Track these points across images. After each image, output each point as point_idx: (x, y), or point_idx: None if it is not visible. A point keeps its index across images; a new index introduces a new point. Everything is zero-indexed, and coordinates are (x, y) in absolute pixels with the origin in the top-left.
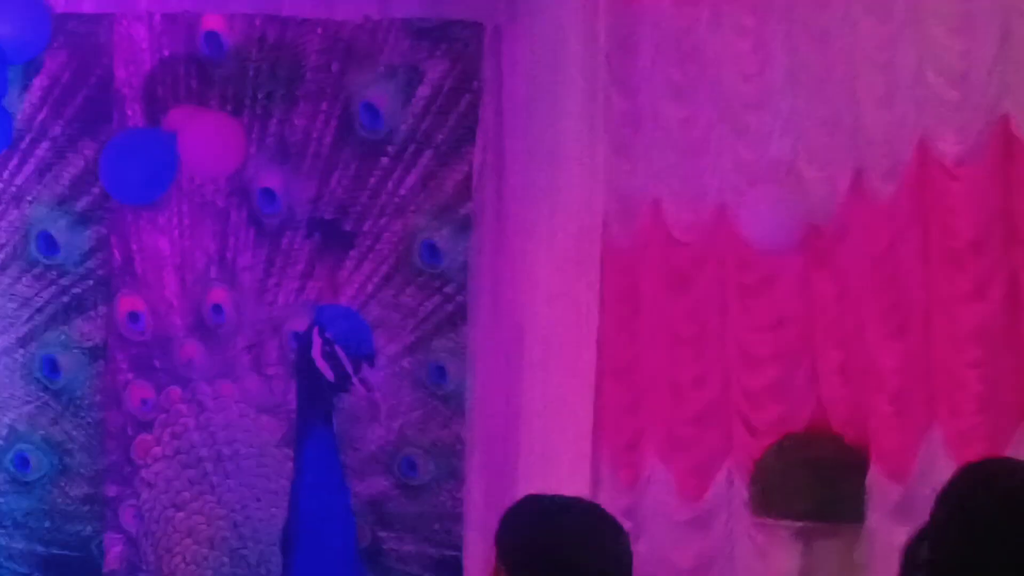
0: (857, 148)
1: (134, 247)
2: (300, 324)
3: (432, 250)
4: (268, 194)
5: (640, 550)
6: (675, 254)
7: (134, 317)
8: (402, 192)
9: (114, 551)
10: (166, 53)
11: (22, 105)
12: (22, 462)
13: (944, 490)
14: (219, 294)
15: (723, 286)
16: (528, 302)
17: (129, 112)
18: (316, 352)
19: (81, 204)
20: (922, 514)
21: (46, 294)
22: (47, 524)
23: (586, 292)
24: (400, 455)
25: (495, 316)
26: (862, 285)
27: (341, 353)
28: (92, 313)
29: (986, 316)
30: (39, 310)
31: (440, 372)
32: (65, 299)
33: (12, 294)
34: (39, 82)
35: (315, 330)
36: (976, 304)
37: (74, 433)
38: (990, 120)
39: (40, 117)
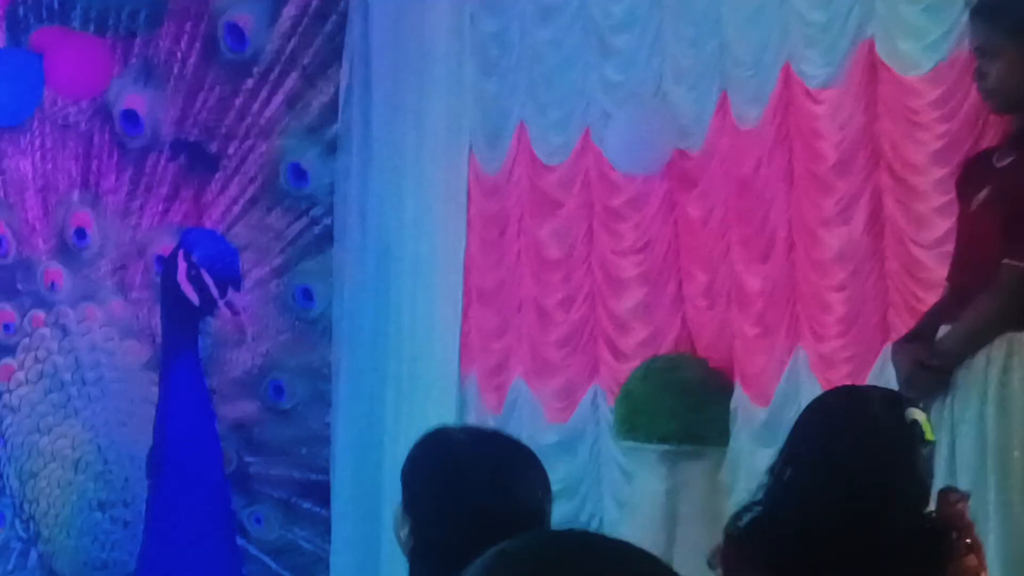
0: (723, 71)
1: None
2: (165, 247)
3: (298, 172)
4: (132, 116)
5: None
6: (541, 177)
7: None
8: (268, 114)
9: None
10: None
11: None
12: None
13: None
14: (82, 217)
15: (589, 209)
16: (395, 225)
17: None
18: (181, 276)
19: None
20: (785, 435)
21: None
22: None
23: (453, 215)
24: (267, 379)
25: (362, 239)
26: (727, 208)
27: (207, 276)
28: None
29: (849, 239)
30: None
31: (307, 295)
32: None
33: None
34: None
35: (180, 253)
36: (840, 227)
37: None
38: (854, 44)
39: None
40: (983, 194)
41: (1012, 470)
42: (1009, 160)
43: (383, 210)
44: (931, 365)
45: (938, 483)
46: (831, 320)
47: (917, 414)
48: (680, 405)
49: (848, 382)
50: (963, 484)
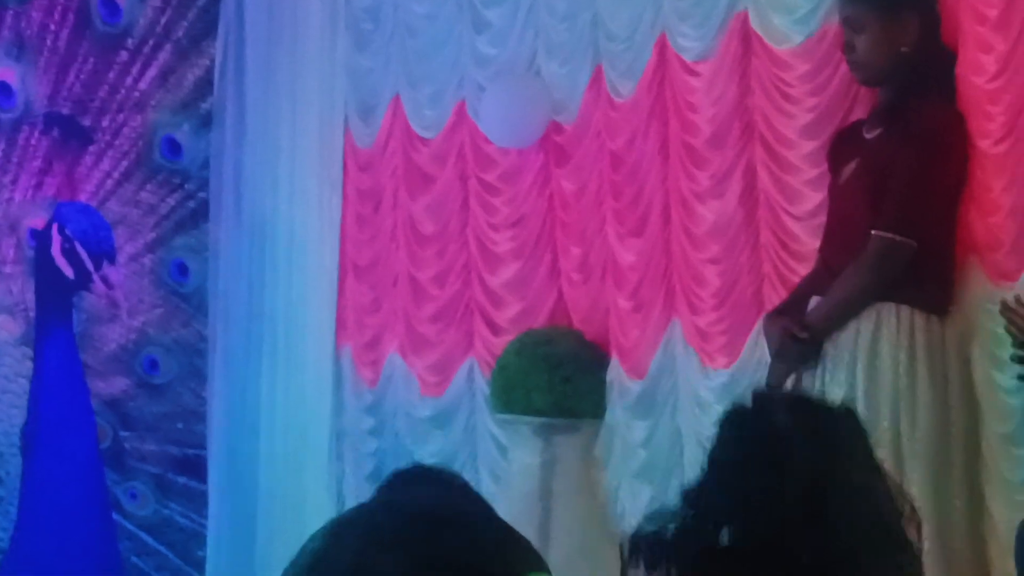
0: (597, 44)
1: None
2: (38, 221)
3: (173, 146)
4: (4, 88)
5: (383, 447)
6: (416, 151)
7: None
8: (142, 87)
9: None
10: None
11: None
12: None
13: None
14: None
15: (464, 183)
16: (270, 199)
17: None
18: (55, 250)
19: None
20: (660, 409)
21: None
22: None
23: (328, 189)
24: (141, 354)
25: (237, 213)
26: (602, 182)
27: (81, 250)
28: None
29: (724, 212)
30: None
31: (182, 270)
32: None
33: None
34: None
35: (54, 227)
36: (714, 200)
37: None
38: (728, 16)
39: None
40: (852, 166)
41: (881, 440)
42: (877, 132)
43: (258, 185)
44: (801, 336)
45: None
46: (706, 293)
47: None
48: (555, 378)
49: (723, 355)
50: None
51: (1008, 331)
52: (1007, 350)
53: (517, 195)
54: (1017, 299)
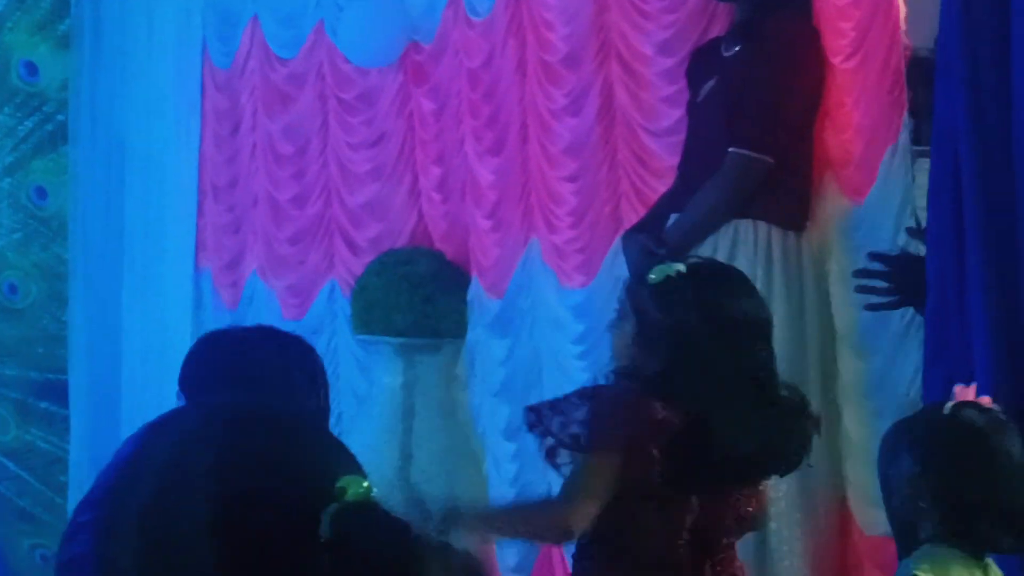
0: None
1: None
2: None
3: (30, 68)
4: None
5: None
6: (275, 71)
7: None
8: None
9: None
10: None
11: None
12: None
13: None
14: None
15: (323, 103)
16: (129, 121)
17: None
18: None
19: None
20: (518, 328)
21: None
22: None
23: (186, 110)
24: (0, 278)
25: (95, 136)
26: (460, 101)
27: None
28: None
29: (581, 130)
30: None
31: (41, 193)
32: None
33: None
34: None
35: None
36: (571, 118)
37: None
38: None
39: None
40: (710, 84)
41: None
42: (735, 50)
43: (116, 107)
44: (659, 253)
45: None
46: (563, 211)
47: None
48: (415, 298)
49: (581, 273)
50: None
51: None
52: (857, 264)
53: (376, 115)
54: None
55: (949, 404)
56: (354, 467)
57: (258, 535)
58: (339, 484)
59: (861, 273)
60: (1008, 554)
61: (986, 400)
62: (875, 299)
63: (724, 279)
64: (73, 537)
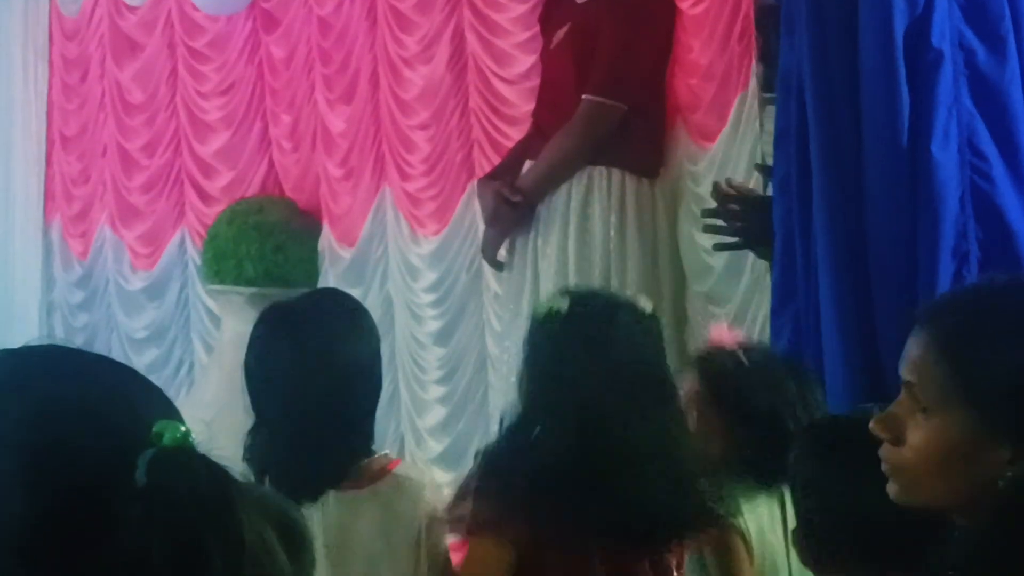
0: None
1: None
2: None
3: None
4: None
5: (94, 320)
6: (123, 19)
7: None
8: None
9: None
10: None
11: None
12: None
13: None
14: None
15: (172, 51)
16: None
17: None
18: None
19: None
20: (371, 276)
21: None
22: None
23: (33, 58)
24: None
25: None
26: (311, 48)
27: None
28: None
29: (433, 77)
30: None
31: None
32: None
33: None
34: None
35: None
36: (423, 65)
37: None
38: None
39: None
40: (563, 31)
41: None
42: None
43: None
44: (514, 200)
45: (528, 317)
46: (415, 159)
47: (644, 300)
48: (265, 248)
49: (434, 221)
50: None
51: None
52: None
53: (226, 63)
54: (728, 182)
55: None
56: (171, 411)
57: (67, 484)
58: (155, 429)
59: (709, 213)
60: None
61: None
62: (723, 239)
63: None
64: None
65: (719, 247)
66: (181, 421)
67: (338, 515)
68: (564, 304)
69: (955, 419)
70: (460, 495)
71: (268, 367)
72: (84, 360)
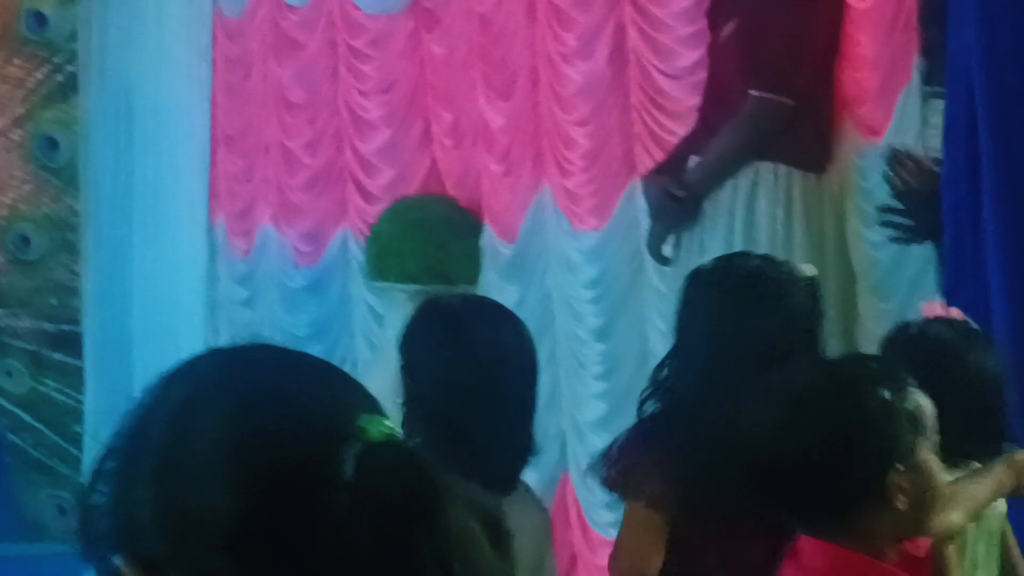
0: None
1: None
2: None
3: (39, 18)
4: None
5: (257, 317)
6: (285, 19)
7: None
8: None
9: None
10: None
11: None
12: None
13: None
14: None
15: (333, 50)
16: (139, 71)
17: None
18: None
19: None
20: (531, 272)
21: None
22: None
23: (197, 60)
24: (12, 230)
25: (105, 86)
26: (471, 45)
27: None
28: None
29: (592, 73)
30: None
31: (51, 144)
32: None
33: None
34: None
35: None
36: (582, 61)
37: None
38: None
39: None
40: (731, 25)
41: None
42: None
43: (125, 56)
44: (679, 195)
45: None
46: (575, 155)
47: (808, 268)
48: (428, 245)
49: (593, 217)
50: None
51: (887, 179)
52: (875, 203)
53: (387, 61)
54: (908, 154)
55: (915, 322)
56: (374, 406)
57: (273, 479)
58: (359, 423)
59: (885, 209)
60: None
61: (955, 313)
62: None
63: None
64: (94, 487)
65: (896, 240)
66: (384, 415)
67: None
68: (715, 264)
69: None
70: (615, 455)
71: (430, 369)
72: (288, 357)
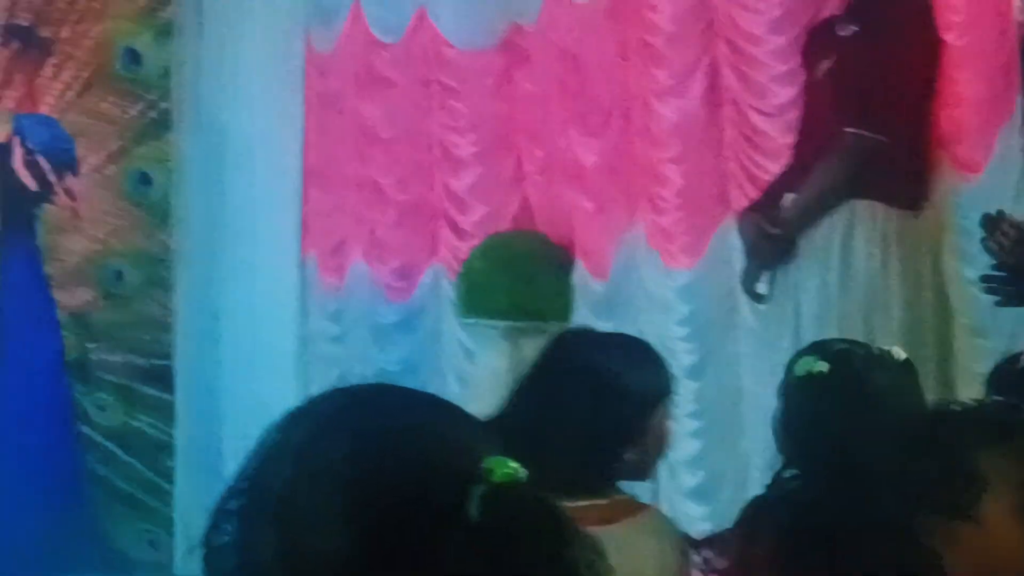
0: None
1: None
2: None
3: (133, 56)
4: None
5: (348, 353)
6: (376, 55)
7: None
8: None
9: None
10: None
11: None
12: None
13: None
14: None
15: (425, 87)
16: (231, 108)
17: None
18: (17, 162)
19: None
20: (623, 310)
21: None
22: None
23: (289, 96)
24: (106, 265)
25: (199, 122)
26: (562, 82)
27: (43, 162)
28: None
29: (686, 111)
30: None
31: (145, 180)
32: None
33: None
34: None
35: (15, 140)
36: (675, 99)
37: None
38: None
39: None
40: (826, 63)
41: (855, 335)
42: (851, 30)
43: (218, 92)
44: (773, 232)
45: (786, 351)
46: (668, 192)
47: (897, 351)
48: (519, 281)
49: (686, 254)
50: None
51: (985, 247)
52: (973, 243)
53: (478, 97)
54: (1004, 218)
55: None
56: (498, 449)
57: (395, 518)
58: (485, 465)
59: (987, 278)
60: None
61: None
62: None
63: None
64: (217, 526)
65: (1001, 304)
66: (508, 458)
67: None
68: (823, 367)
69: None
70: (721, 543)
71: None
72: (412, 397)
